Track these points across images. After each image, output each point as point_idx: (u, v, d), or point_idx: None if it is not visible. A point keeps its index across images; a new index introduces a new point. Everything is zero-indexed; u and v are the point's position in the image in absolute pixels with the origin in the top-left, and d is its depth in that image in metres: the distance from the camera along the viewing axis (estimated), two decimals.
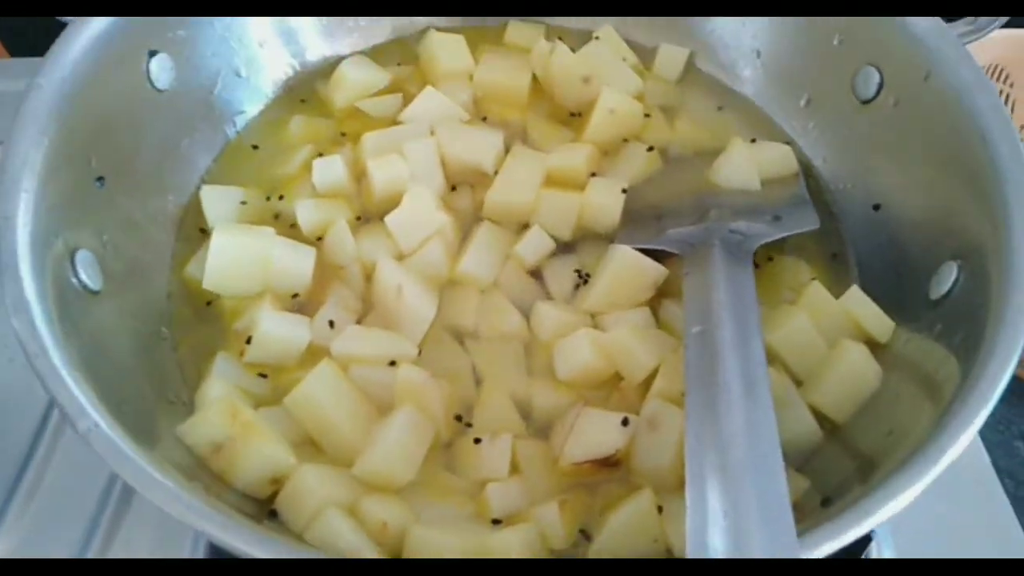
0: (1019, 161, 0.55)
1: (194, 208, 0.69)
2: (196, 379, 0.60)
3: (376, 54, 0.81)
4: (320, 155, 0.72)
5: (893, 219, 0.67)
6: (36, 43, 0.68)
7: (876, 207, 0.69)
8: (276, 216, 0.70)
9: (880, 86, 0.68)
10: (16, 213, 0.50)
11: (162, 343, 0.62)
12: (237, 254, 0.63)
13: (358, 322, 0.64)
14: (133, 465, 0.45)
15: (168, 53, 0.67)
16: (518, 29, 0.83)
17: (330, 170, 0.70)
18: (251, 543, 0.43)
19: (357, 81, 0.77)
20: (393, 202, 0.67)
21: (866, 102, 0.69)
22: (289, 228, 0.69)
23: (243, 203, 0.70)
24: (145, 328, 0.60)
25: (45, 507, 0.65)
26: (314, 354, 0.61)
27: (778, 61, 0.77)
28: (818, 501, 0.54)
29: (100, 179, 0.60)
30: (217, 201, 0.69)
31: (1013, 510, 0.69)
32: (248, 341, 0.60)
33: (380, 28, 0.82)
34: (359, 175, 0.72)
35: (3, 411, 0.70)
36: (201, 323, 0.64)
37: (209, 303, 0.64)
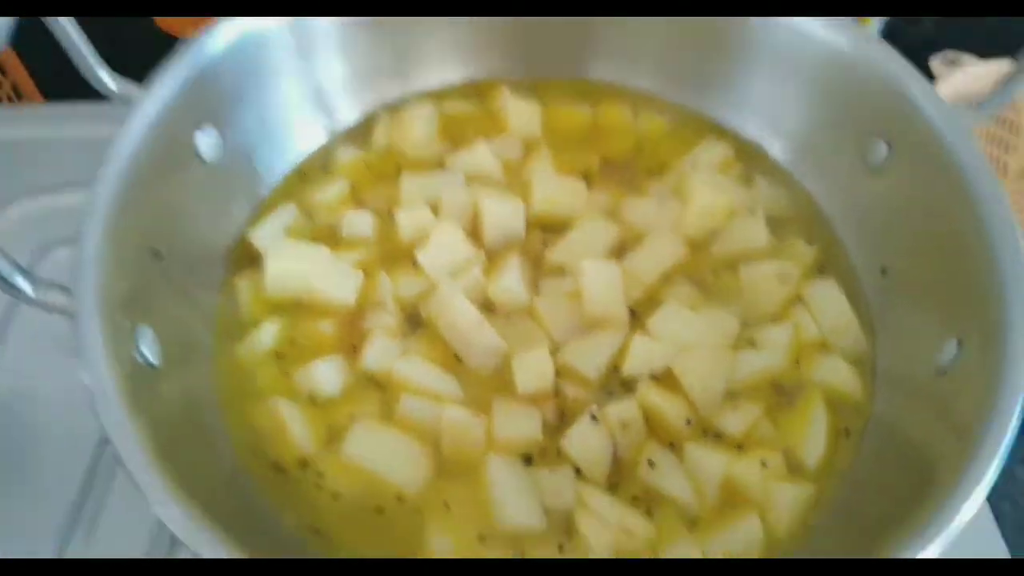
0: (1017, 256, 0.58)
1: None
2: None
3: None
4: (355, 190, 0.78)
5: (898, 286, 0.71)
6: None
7: (883, 271, 0.72)
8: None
9: (887, 158, 0.72)
10: (93, 304, 0.55)
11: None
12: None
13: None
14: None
15: (215, 127, 0.71)
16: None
17: (358, 225, 0.75)
18: None
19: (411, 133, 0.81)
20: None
21: (874, 169, 0.73)
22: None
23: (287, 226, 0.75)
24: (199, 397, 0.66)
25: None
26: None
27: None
28: None
29: (157, 254, 0.64)
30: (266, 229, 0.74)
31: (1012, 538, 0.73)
32: None
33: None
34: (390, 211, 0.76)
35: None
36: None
37: None
